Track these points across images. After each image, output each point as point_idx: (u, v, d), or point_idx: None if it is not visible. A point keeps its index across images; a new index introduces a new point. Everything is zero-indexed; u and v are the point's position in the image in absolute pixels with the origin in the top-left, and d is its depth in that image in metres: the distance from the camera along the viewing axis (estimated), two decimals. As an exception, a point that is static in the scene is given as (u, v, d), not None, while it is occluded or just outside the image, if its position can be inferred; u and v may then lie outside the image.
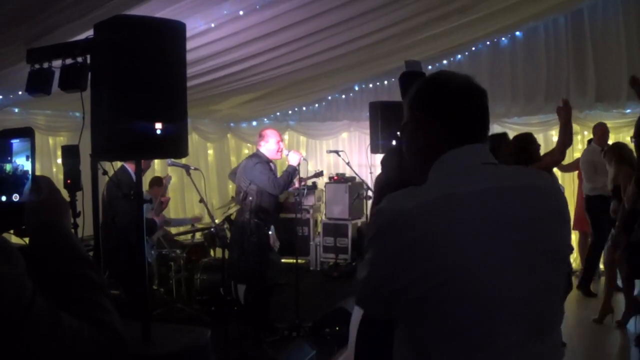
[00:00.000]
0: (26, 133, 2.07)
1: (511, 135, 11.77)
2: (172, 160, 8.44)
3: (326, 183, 15.62)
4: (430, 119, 2.56)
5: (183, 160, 8.46)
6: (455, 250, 2.27)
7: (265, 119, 17.22)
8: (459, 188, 2.39)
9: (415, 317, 2.36)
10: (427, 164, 2.55)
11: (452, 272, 2.26)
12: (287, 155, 9.45)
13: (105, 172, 6.47)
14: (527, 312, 2.35)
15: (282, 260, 10.19)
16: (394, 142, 2.67)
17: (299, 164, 9.40)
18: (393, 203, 2.41)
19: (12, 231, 2.07)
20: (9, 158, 2.06)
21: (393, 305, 2.40)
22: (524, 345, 2.35)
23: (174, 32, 5.24)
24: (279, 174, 9.42)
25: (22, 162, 2.04)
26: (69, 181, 5.74)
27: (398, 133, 2.86)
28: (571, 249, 2.71)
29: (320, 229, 15.55)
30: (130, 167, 8.69)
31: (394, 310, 2.43)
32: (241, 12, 8.18)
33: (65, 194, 7.07)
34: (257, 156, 9.47)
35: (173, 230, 12.38)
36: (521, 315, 2.34)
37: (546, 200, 2.52)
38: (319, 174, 11.51)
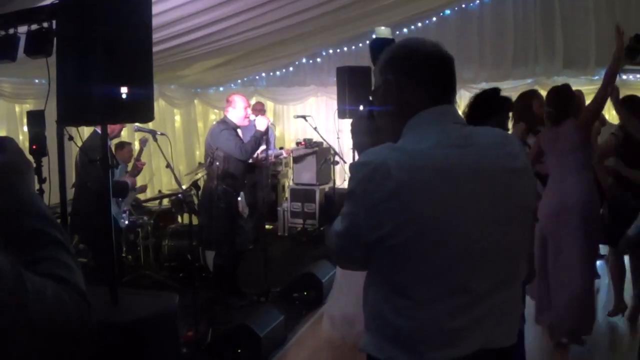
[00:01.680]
0: None
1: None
2: (138, 125, 8.39)
3: (294, 148, 15.53)
4: (402, 83, 2.74)
5: (150, 126, 8.42)
6: (430, 201, 2.49)
7: (233, 85, 17.14)
8: (431, 144, 2.59)
9: (394, 262, 2.56)
10: (399, 125, 2.73)
11: (428, 220, 2.48)
12: (254, 120, 9.42)
13: (71, 138, 6.42)
14: (499, 261, 2.63)
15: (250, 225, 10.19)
16: (361, 107, 2.73)
17: (266, 129, 9.37)
18: (372, 157, 2.58)
19: None
20: None
21: (370, 254, 2.61)
22: (494, 292, 2.61)
23: (139, -5, 5.20)
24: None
25: None
26: (34, 147, 5.71)
27: (370, 97, 2.98)
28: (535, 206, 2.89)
29: (287, 194, 15.50)
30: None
31: (371, 260, 2.64)
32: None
33: (31, 160, 7.05)
34: (224, 122, 9.42)
35: (140, 196, 12.32)
36: (493, 263, 2.60)
37: (513, 158, 2.71)
38: (278, 154, 11.51)
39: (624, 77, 13.58)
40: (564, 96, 7.60)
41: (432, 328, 2.55)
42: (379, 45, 3.82)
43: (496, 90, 5.49)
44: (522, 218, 2.75)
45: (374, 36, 7.28)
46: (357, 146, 3.58)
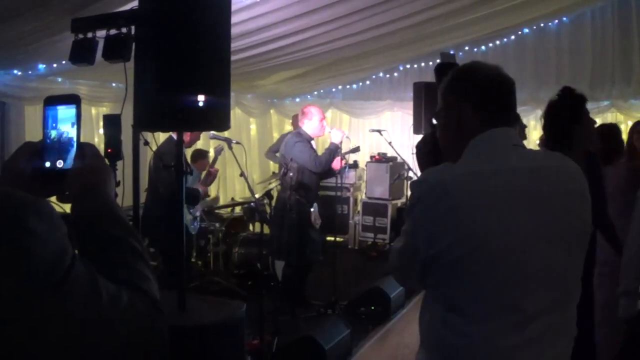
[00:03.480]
0: (72, 100, 2.07)
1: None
2: (214, 133, 8.44)
3: (367, 162, 15.52)
4: (463, 104, 2.82)
5: (225, 134, 8.47)
6: (487, 219, 2.54)
7: (309, 96, 17.20)
8: (490, 165, 2.68)
9: (449, 279, 2.61)
10: (459, 146, 2.79)
11: (483, 239, 2.53)
12: (330, 132, 9.44)
13: (146, 143, 6.49)
14: (553, 282, 2.65)
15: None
16: (434, 121, 2.79)
17: (341, 142, 9.39)
18: (430, 175, 2.69)
19: (54, 197, 2.08)
20: (54, 124, 2.07)
21: (427, 271, 2.67)
22: (548, 313, 2.62)
23: (219, 4, 5.23)
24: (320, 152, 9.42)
25: (67, 129, 2.04)
26: (110, 150, 5.76)
27: (433, 119, 3.05)
28: (592, 229, 2.89)
29: (360, 207, 15.47)
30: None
31: (427, 276, 2.69)
32: (288, -13, 8.16)
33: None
34: (298, 134, 9.44)
35: (213, 203, 12.40)
36: (547, 284, 2.63)
37: (571, 180, 2.80)
38: (356, 150, 11.47)
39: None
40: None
41: (485, 346, 2.58)
42: (443, 68, 3.90)
43: (568, 90, 5.40)
44: (578, 241, 2.79)
45: (438, 60, 7.29)
46: (421, 166, 3.65)
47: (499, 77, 2.86)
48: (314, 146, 9.50)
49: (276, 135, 16.55)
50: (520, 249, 2.57)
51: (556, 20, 14.51)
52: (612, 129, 7.60)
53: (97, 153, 2.02)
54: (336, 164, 9.67)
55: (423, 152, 3.90)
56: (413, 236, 2.69)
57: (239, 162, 8.25)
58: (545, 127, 4.42)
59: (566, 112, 5.01)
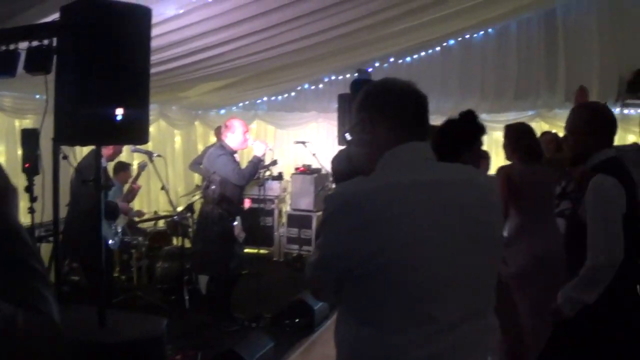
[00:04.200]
0: None
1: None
2: (135, 146, 8.38)
3: (292, 174, 15.51)
4: (375, 120, 2.88)
5: (150, 146, 8.40)
6: (400, 232, 2.56)
7: (234, 108, 17.13)
8: (403, 178, 2.70)
9: (364, 292, 2.62)
10: (373, 160, 2.84)
11: (398, 251, 2.55)
12: (252, 145, 9.42)
13: (65, 157, 6.41)
14: (468, 292, 2.71)
15: (245, 250, 10.15)
16: (347, 136, 2.79)
17: (264, 155, 9.37)
18: (343, 189, 2.73)
19: None
20: None
21: (341, 284, 2.70)
22: (464, 323, 2.67)
23: (139, 17, 5.20)
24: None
25: None
26: (27, 165, 5.69)
27: (347, 135, 3.14)
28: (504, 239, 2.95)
29: (285, 219, 15.45)
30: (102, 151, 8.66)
31: (342, 289, 2.73)
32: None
33: (23, 177, 7.04)
34: (221, 147, 9.35)
35: (136, 217, 12.29)
36: (463, 294, 2.68)
37: (482, 192, 2.89)
38: (274, 163, 11.48)
39: (625, 111, 13.62)
40: None
41: (400, 357, 2.60)
42: (358, 84, 3.95)
43: (471, 116, 5.35)
44: (492, 251, 2.86)
45: (355, 75, 7.33)
46: (336, 179, 3.67)
47: (412, 92, 2.93)
48: (237, 159, 9.45)
49: (201, 147, 16.45)
50: (435, 260, 2.61)
51: (481, 32, 14.67)
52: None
53: (2, 172, 1.97)
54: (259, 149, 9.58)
55: (338, 165, 3.91)
56: (327, 250, 2.73)
57: (161, 176, 8.19)
58: (435, 142, 4.32)
59: (460, 137, 4.97)
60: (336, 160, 4.24)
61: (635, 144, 8.61)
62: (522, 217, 6.84)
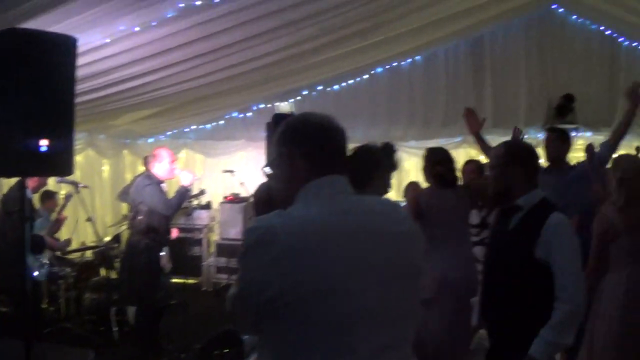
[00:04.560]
0: None
1: (407, 159, 11.86)
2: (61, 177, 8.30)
3: (221, 203, 15.45)
4: (294, 154, 2.91)
5: (78, 175, 8.30)
6: (317, 265, 2.59)
7: (162, 136, 16.98)
8: (321, 211, 2.75)
9: (282, 324, 2.64)
10: (292, 193, 2.88)
11: (315, 283, 2.58)
12: (179, 174, 9.37)
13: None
14: (388, 323, 2.75)
15: (173, 281, 10.08)
16: (267, 170, 2.83)
17: (190, 184, 9.33)
18: (262, 222, 2.72)
19: None
20: None
21: (261, 317, 2.69)
22: (383, 355, 2.71)
23: (64, 47, 5.15)
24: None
25: None
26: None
27: (266, 169, 3.25)
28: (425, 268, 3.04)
29: (213, 249, 15.35)
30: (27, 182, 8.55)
31: (261, 322, 2.71)
32: (137, 29, 8.07)
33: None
34: (148, 177, 9.27)
35: (63, 248, 12.13)
36: (382, 326, 2.72)
37: (400, 223, 2.95)
38: (201, 193, 11.45)
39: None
40: None
41: None
42: (278, 119, 3.99)
43: (388, 145, 5.38)
44: (411, 282, 2.91)
45: (276, 111, 7.38)
46: (257, 213, 3.70)
47: (330, 126, 2.99)
48: (165, 188, 9.39)
49: (129, 177, 16.27)
50: (353, 292, 2.63)
51: (409, 59, 14.76)
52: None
53: None
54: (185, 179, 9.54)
55: (258, 199, 3.94)
56: (246, 282, 2.73)
57: (87, 206, 8.11)
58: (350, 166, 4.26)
59: (372, 164, 4.99)
60: (257, 193, 4.27)
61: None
62: (428, 242, 6.88)
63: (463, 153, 13.78)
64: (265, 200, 3.54)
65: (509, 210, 5.01)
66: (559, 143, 8.50)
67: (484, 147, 8.39)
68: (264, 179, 3.39)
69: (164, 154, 9.32)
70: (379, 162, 5.13)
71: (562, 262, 4.60)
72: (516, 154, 5.04)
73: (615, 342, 6.08)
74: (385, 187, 5.21)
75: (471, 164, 9.07)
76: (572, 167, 8.51)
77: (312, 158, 2.89)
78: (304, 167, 2.88)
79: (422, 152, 12.98)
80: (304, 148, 2.91)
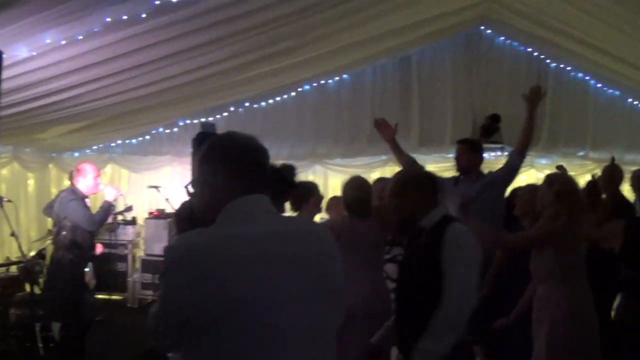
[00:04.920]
0: None
1: (333, 177, 11.95)
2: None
3: (146, 218, 15.36)
4: (217, 173, 2.95)
5: (3, 189, 8.22)
6: (238, 283, 2.61)
7: (88, 151, 16.81)
8: (243, 230, 2.78)
9: (201, 343, 2.65)
10: (214, 212, 2.89)
11: (234, 301, 2.60)
12: (104, 189, 9.32)
13: None
14: (309, 341, 2.79)
15: (98, 297, 9.99)
16: (190, 189, 2.80)
17: (115, 199, 9.29)
18: (182, 240, 2.83)
19: None
20: None
21: (182, 335, 2.70)
22: None
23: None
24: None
25: None
26: None
27: (188, 188, 3.20)
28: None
29: (138, 264, 15.23)
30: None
31: (183, 340, 2.73)
32: (63, 42, 8.04)
33: None
34: (72, 192, 9.18)
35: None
36: (303, 343, 2.76)
37: (320, 243, 3.03)
38: (129, 209, 11.39)
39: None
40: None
41: None
42: (201, 138, 4.00)
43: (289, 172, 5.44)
44: (331, 300, 2.94)
45: (200, 130, 7.38)
46: (178, 231, 3.71)
47: (254, 146, 3.05)
48: (89, 203, 9.32)
49: (55, 191, 16.06)
50: (274, 311, 2.66)
51: (337, 77, 14.87)
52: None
53: None
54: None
55: (180, 217, 3.96)
56: (167, 301, 2.72)
57: (10, 221, 8.02)
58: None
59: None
60: (180, 210, 4.27)
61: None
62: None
63: (389, 171, 13.89)
64: (187, 218, 3.53)
65: (416, 232, 5.09)
66: (469, 153, 8.57)
67: (399, 152, 8.43)
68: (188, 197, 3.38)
69: (88, 169, 9.24)
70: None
71: (450, 270, 4.68)
72: (410, 182, 5.20)
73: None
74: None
75: (378, 183, 9.12)
76: (482, 176, 8.53)
77: (235, 177, 2.93)
78: (227, 186, 2.91)
79: (348, 170, 13.16)
80: (228, 167, 2.94)
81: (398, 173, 5.65)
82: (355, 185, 7.34)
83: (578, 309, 6.09)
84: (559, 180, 6.54)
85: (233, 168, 2.94)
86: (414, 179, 5.29)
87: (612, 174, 9.06)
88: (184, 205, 4.32)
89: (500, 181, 8.40)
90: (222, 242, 2.69)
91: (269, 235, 2.80)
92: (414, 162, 8.31)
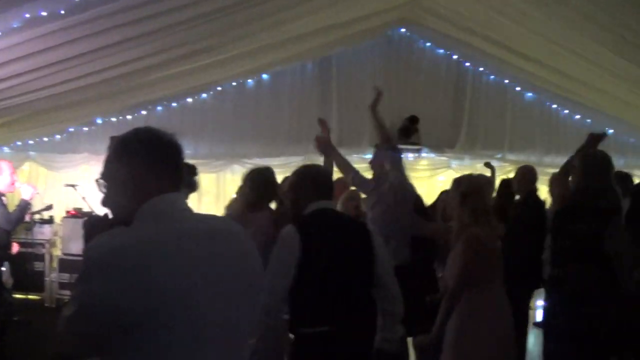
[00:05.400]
0: None
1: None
2: None
3: (63, 217, 15.05)
4: (134, 169, 2.83)
5: None
6: (161, 282, 2.55)
7: (5, 148, 16.57)
8: (162, 229, 2.72)
9: (127, 346, 2.56)
10: (130, 211, 2.80)
11: (162, 301, 2.54)
12: (20, 188, 9.19)
13: None
14: (230, 337, 2.80)
15: (15, 296, 9.85)
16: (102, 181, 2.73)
17: (31, 198, 9.16)
18: (101, 241, 2.65)
19: None
20: None
21: (104, 337, 2.60)
22: None
23: None
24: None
25: None
26: None
27: (100, 180, 3.00)
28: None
29: (56, 264, 14.93)
30: None
31: (104, 343, 2.62)
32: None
33: None
34: (-12, 190, 9.04)
35: None
36: (225, 340, 2.76)
37: (238, 241, 3.00)
38: (48, 208, 11.25)
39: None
40: None
41: None
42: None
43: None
44: (249, 298, 2.94)
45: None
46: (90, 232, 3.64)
47: (168, 142, 2.94)
48: (5, 202, 9.17)
49: (-31, 189, 15.90)
50: (198, 309, 2.63)
51: (256, 77, 14.85)
52: None
53: None
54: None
55: (94, 220, 3.89)
56: (88, 303, 2.61)
57: None
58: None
59: None
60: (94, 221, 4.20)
61: None
62: None
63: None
64: (101, 218, 3.45)
65: None
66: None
67: (339, 158, 8.43)
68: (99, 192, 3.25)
69: (4, 167, 9.09)
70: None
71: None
72: (305, 177, 5.38)
73: None
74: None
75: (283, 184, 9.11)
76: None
77: (150, 174, 2.84)
78: (143, 184, 2.83)
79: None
80: (146, 163, 2.85)
81: (294, 171, 5.76)
82: (267, 181, 7.59)
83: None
84: (465, 182, 6.57)
85: (152, 164, 2.86)
86: (307, 174, 5.44)
87: (526, 174, 9.19)
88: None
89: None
90: (142, 242, 2.63)
91: (191, 233, 2.75)
92: (356, 173, 8.25)
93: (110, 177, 2.94)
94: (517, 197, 9.46)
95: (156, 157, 2.87)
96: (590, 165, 6.70)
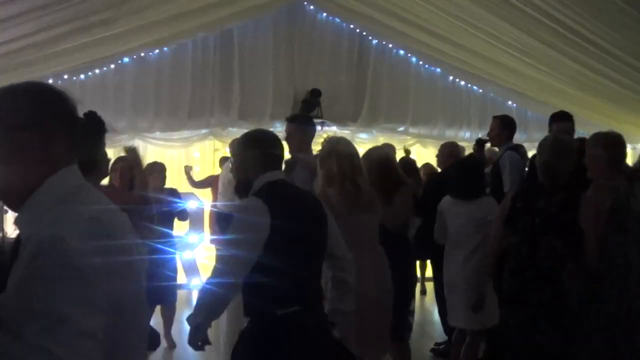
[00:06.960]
0: None
1: (152, 150, 11.78)
2: None
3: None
4: (47, 132, 2.31)
5: None
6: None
7: None
8: (86, 209, 2.26)
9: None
10: (22, 189, 2.30)
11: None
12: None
13: None
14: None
15: None
16: None
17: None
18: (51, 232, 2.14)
19: None
20: None
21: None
22: None
23: None
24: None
25: None
26: None
27: None
28: None
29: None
30: None
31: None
32: None
33: None
34: None
35: None
36: None
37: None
38: None
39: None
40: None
41: None
42: None
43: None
44: None
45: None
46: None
47: (75, 108, 2.43)
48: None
49: None
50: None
51: (157, 50, 14.67)
52: None
53: None
54: None
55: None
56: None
57: None
58: None
59: None
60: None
61: None
62: None
63: (209, 145, 13.90)
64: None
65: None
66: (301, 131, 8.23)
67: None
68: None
69: None
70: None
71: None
72: (249, 141, 4.94)
73: None
74: None
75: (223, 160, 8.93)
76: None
77: (66, 144, 2.36)
78: (60, 150, 2.34)
79: (167, 144, 13.06)
80: (65, 125, 2.38)
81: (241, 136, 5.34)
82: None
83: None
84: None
85: (70, 128, 2.38)
86: (253, 137, 4.94)
87: (453, 151, 9.27)
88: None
89: None
90: (91, 223, 2.23)
91: (111, 214, 2.43)
92: None
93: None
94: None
95: (70, 122, 2.38)
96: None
